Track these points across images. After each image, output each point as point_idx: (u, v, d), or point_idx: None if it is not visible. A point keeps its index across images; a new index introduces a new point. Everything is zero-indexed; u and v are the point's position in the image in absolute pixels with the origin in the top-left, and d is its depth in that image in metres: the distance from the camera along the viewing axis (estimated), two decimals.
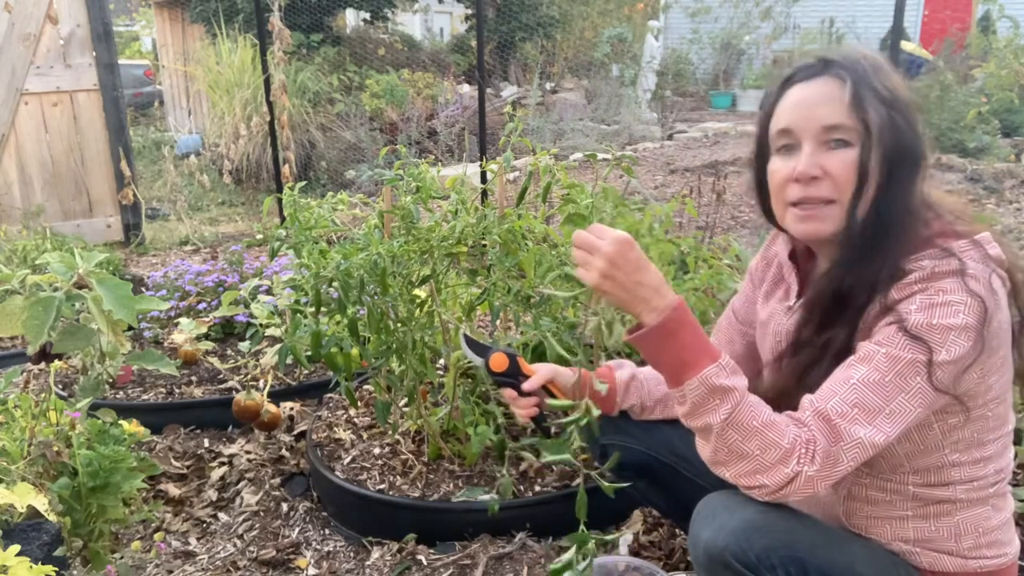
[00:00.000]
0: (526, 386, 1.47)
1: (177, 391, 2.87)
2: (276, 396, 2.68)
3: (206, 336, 3.22)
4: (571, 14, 12.64)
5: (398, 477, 2.14)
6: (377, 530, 2.05)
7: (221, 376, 2.93)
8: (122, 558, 1.82)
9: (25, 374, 2.89)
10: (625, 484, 1.47)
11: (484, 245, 2.04)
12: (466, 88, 9.75)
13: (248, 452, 2.52)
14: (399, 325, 2.06)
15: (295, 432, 2.62)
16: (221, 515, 2.24)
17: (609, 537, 1.70)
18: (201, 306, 3.45)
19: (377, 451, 2.27)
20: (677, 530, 1.91)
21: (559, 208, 2.11)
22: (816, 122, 1.18)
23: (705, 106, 12.58)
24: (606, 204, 2.05)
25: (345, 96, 8.69)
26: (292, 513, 2.22)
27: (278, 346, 2.09)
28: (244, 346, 2.98)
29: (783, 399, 1.19)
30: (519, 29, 11.43)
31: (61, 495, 1.64)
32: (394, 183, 2.08)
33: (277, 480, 2.37)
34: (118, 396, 2.83)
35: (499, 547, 1.92)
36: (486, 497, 1.99)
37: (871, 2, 12.13)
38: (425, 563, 1.91)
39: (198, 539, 2.13)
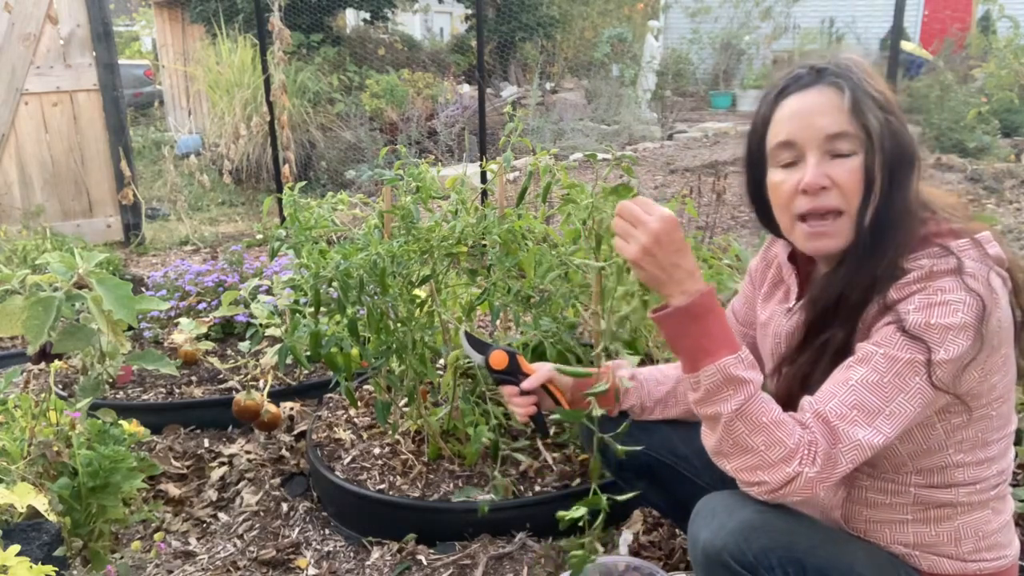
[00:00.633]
0: (525, 385, 1.47)
1: (177, 391, 2.87)
2: (276, 396, 2.68)
3: (206, 336, 3.22)
4: (571, 14, 12.63)
5: (398, 477, 2.14)
6: (377, 530, 2.05)
7: (221, 376, 2.93)
8: (122, 558, 1.82)
9: (25, 374, 2.89)
10: (633, 492, 1.48)
11: (484, 245, 2.04)
12: (466, 88, 9.75)
13: (248, 452, 2.52)
14: (399, 325, 2.06)
15: (295, 432, 2.62)
16: (221, 515, 2.24)
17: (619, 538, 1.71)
18: (201, 306, 3.45)
19: (377, 451, 2.27)
20: (677, 530, 1.91)
21: (559, 208, 2.11)
22: (818, 132, 1.17)
23: (705, 106, 12.58)
24: (606, 204, 2.04)
25: (345, 96, 8.69)
26: (292, 513, 2.22)
27: (278, 346, 2.09)
28: (244, 346, 2.99)
29: (785, 402, 1.20)
30: (519, 29, 11.43)
31: (61, 495, 1.64)
32: (394, 183, 2.08)
33: (277, 480, 2.37)
34: (118, 396, 2.83)
35: (499, 547, 1.92)
36: (485, 497, 1.99)
37: (871, 2, 12.13)
38: (425, 563, 1.91)
39: (198, 539, 2.13)
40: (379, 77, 8.98)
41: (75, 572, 1.65)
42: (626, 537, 1.91)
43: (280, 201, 2.56)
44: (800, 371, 1.25)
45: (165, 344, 3.26)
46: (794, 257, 1.37)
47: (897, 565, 1.22)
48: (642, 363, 2.12)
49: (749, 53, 13.06)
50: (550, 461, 2.13)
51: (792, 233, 1.24)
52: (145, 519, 2.00)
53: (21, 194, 5.37)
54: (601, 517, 1.38)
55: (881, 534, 1.24)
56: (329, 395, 2.64)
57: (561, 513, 1.40)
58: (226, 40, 8.45)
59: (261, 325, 2.83)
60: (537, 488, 2.05)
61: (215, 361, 2.94)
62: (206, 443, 2.60)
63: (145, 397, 2.84)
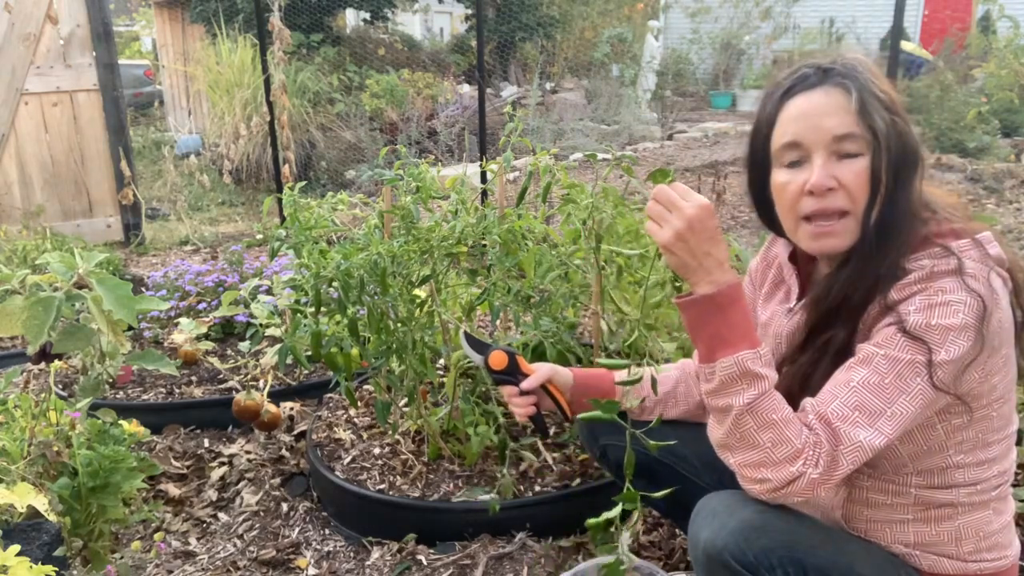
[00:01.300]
0: (525, 385, 1.47)
1: (177, 391, 2.87)
2: (276, 396, 2.68)
3: (206, 336, 3.22)
4: (571, 14, 12.63)
5: (398, 477, 2.14)
6: (377, 530, 2.05)
7: (221, 376, 2.93)
8: (122, 558, 1.82)
9: (25, 374, 2.89)
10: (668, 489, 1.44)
11: (484, 245, 2.04)
12: (466, 88, 9.75)
13: (248, 452, 2.52)
14: (399, 325, 2.06)
15: (295, 432, 2.62)
16: (221, 515, 2.24)
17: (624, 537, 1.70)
18: (201, 306, 3.45)
19: (377, 451, 2.27)
20: (677, 530, 1.91)
21: (559, 208, 2.11)
22: (826, 133, 1.16)
23: (705, 106, 12.58)
24: (606, 204, 2.04)
25: (345, 96, 8.70)
26: (292, 513, 2.22)
27: (278, 346, 2.09)
28: (244, 346, 2.98)
29: (788, 403, 1.20)
30: (519, 29, 11.43)
31: (61, 495, 1.64)
32: (394, 183, 2.08)
33: (277, 480, 2.37)
34: (118, 396, 2.83)
35: (499, 547, 1.92)
36: (486, 497, 1.99)
37: (871, 2, 12.13)
38: (425, 563, 1.91)
39: (198, 539, 2.13)
40: (379, 77, 8.98)
41: (75, 572, 1.65)
42: (626, 537, 1.90)
43: (280, 201, 2.56)
44: (800, 371, 1.24)
45: (165, 344, 3.26)
46: (795, 257, 1.37)
47: (897, 565, 1.21)
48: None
49: (749, 53, 13.06)
50: (550, 461, 2.13)
51: (796, 233, 1.24)
52: (145, 519, 2.00)
53: (21, 194, 5.37)
54: (636, 516, 1.33)
55: (882, 534, 1.24)
56: (329, 395, 2.64)
57: (591, 521, 1.34)
58: (226, 40, 8.46)
59: (261, 325, 2.83)
60: (537, 488, 2.05)
61: (215, 361, 2.94)
62: (206, 443, 2.60)
63: (145, 397, 2.84)
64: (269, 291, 3.24)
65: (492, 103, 9.24)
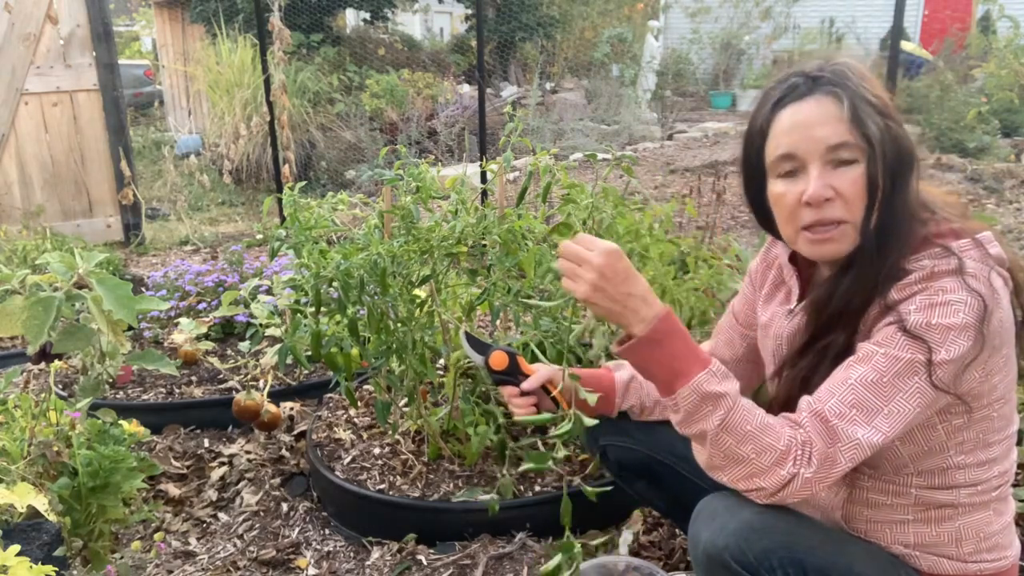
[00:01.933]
0: (525, 385, 1.47)
1: (177, 391, 2.87)
2: (276, 396, 2.68)
3: (206, 336, 3.22)
4: (571, 14, 12.63)
5: (398, 477, 2.14)
6: (377, 530, 2.05)
7: (221, 376, 2.93)
8: (122, 558, 1.82)
9: (25, 374, 2.89)
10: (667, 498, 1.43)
11: (484, 245, 2.04)
12: (466, 88, 9.75)
13: (248, 452, 2.52)
14: (399, 325, 2.06)
15: (295, 432, 2.62)
16: (221, 515, 2.24)
17: (595, 542, 1.70)
18: (201, 306, 3.45)
19: (377, 451, 2.27)
20: (677, 530, 1.91)
21: (559, 208, 2.11)
22: (819, 143, 1.16)
23: (705, 106, 12.58)
24: (606, 204, 2.04)
25: (345, 96, 8.70)
26: (292, 513, 2.22)
27: (278, 346, 2.09)
28: (244, 346, 2.98)
29: (785, 405, 1.20)
30: (519, 29, 11.43)
31: (61, 495, 1.64)
32: (394, 183, 2.08)
33: (277, 480, 2.37)
34: (118, 396, 2.83)
35: (499, 547, 1.92)
36: (486, 497, 1.99)
37: (871, 2, 12.13)
38: (425, 563, 1.91)
39: (198, 539, 2.13)
40: (379, 77, 8.98)
41: (75, 572, 1.65)
42: (626, 537, 1.91)
43: (280, 201, 2.56)
44: (800, 374, 1.24)
45: (165, 344, 3.26)
46: (795, 258, 1.37)
47: (898, 565, 1.21)
48: None
49: (749, 53, 13.06)
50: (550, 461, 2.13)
51: (796, 241, 1.23)
52: (145, 519, 2.00)
53: (21, 194, 5.37)
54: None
55: (882, 534, 1.24)
56: (329, 395, 2.64)
57: (544, 570, 1.39)
58: (226, 40, 8.45)
59: (261, 325, 2.83)
60: (537, 488, 2.05)
61: (215, 361, 2.94)
62: (206, 443, 2.60)
63: (145, 397, 2.84)
64: (269, 291, 3.24)
65: (492, 103, 9.24)
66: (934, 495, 1.20)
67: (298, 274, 2.09)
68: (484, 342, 1.53)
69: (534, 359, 1.55)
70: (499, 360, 1.47)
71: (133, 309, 1.83)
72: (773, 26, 12.90)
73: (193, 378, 2.95)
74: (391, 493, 2.07)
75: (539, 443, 2.18)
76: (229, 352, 3.16)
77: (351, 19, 11.33)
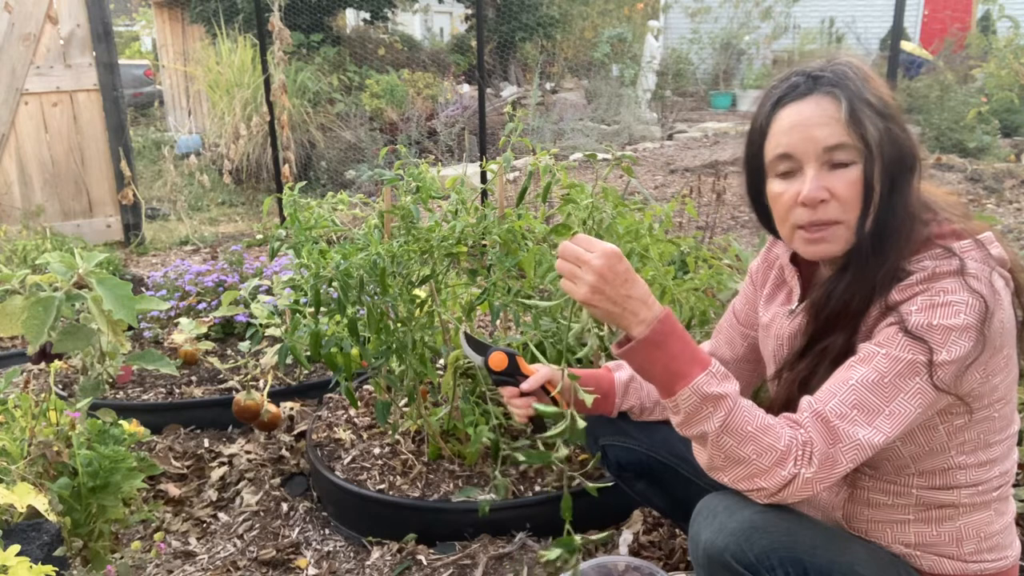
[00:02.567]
0: (524, 386, 1.47)
1: (177, 391, 2.87)
2: (276, 396, 2.68)
3: (206, 336, 3.22)
4: (571, 14, 12.63)
5: (398, 477, 2.14)
6: (377, 530, 2.05)
7: (221, 376, 2.93)
8: (122, 558, 1.82)
9: (25, 374, 2.89)
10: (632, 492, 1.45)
11: (484, 245, 2.04)
12: (466, 88, 9.75)
13: (248, 452, 2.52)
14: (399, 325, 2.06)
15: (295, 432, 2.62)
16: (221, 515, 2.24)
17: (595, 537, 1.70)
18: (201, 306, 3.45)
19: (377, 451, 2.27)
20: (677, 530, 1.91)
21: (559, 208, 2.11)
22: (816, 144, 1.16)
23: (705, 106, 12.58)
24: (606, 204, 2.04)
25: (345, 96, 8.69)
26: (292, 513, 2.22)
27: (278, 346, 2.09)
28: (244, 346, 2.98)
29: (785, 406, 1.19)
30: (519, 29, 11.43)
31: (61, 495, 1.64)
32: (394, 183, 2.08)
33: (277, 480, 2.37)
34: (118, 396, 2.83)
35: (499, 547, 1.92)
36: (484, 497, 1.99)
37: (871, 2, 12.14)
38: (425, 563, 1.91)
39: (198, 539, 2.13)
40: (379, 77, 8.98)
41: (75, 572, 1.65)
42: (626, 537, 1.91)
43: (280, 201, 2.56)
44: (800, 375, 1.24)
45: (165, 344, 3.26)
46: (796, 258, 1.37)
47: (898, 565, 1.21)
48: None
49: (749, 53, 13.06)
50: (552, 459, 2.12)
51: (792, 240, 1.24)
52: (145, 519, 2.00)
53: (21, 194, 5.37)
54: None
55: (882, 534, 1.24)
56: (329, 395, 2.64)
57: (542, 553, 1.39)
58: (226, 40, 8.45)
59: (261, 325, 2.83)
60: (537, 488, 2.05)
61: (215, 361, 2.94)
62: (206, 443, 2.60)
63: (145, 397, 2.84)
64: (269, 291, 3.24)
65: (492, 103, 9.25)
66: (935, 495, 1.20)
67: (298, 274, 2.09)
68: (483, 342, 1.53)
69: (534, 360, 1.55)
70: (498, 360, 1.47)
71: (133, 309, 1.83)
72: (773, 26, 12.90)
73: (193, 378, 2.95)
74: (391, 493, 2.07)
75: (539, 443, 2.18)
76: (229, 352, 3.16)
77: (351, 19, 11.33)
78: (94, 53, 5.35)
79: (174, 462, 2.47)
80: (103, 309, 1.83)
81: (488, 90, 9.87)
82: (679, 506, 1.53)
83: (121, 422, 1.92)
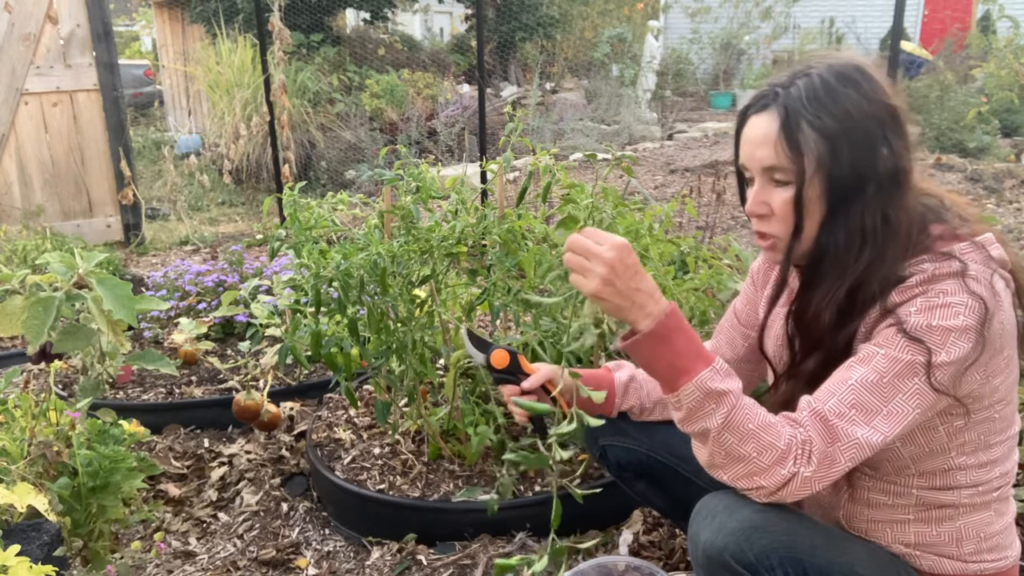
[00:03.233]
0: (526, 385, 1.47)
1: (177, 391, 2.87)
2: (276, 396, 2.68)
3: (206, 336, 3.22)
4: (571, 14, 12.63)
5: (398, 477, 2.14)
6: (377, 530, 2.05)
7: (221, 376, 2.93)
8: (122, 558, 1.82)
9: (25, 374, 2.89)
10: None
11: (484, 245, 2.04)
12: (466, 88, 9.75)
13: (248, 452, 2.52)
14: (399, 325, 2.06)
15: (295, 432, 2.62)
16: (221, 515, 2.24)
17: (593, 542, 1.70)
18: (201, 306, 3.45)
19: (377, 451, 2.27)
20: (677, 530, 1.91)
21: (559, 208, 2.11)
22: (758, 162, 1.20)
23: (705, 106, 12.57)
24: (606, 204, 2.04)
25: (345, 96, 8.69)
26: (292, 513, 2.22)
27: (278, 346, 2.09)
28: (244, 346, 2.98)
29: (788, 407, 1.19)
30: (519, 29, 11.43)
31: (61, 495, 1.64)
32: (394, 183, 2.08)
33: (277, 480, 2.37)
34: (118, 396, 2.83)
35: (499, 547, 1.92)
36: (486, 497, 1.99)
37: (871, 2, 12.14)
38: (425, 563, 1.91)
39: (198, 539, 2.13)
40: (379, 77, 8.98)
41: (75, 572, 1.65)
42: (626, 537, 1.91)
43: (280, 201, 2.56)
44: (799, 375, 1.25)
45: (165, 344, 3.26)
46: None
47: (898, 565, 1.22)
48: None
49: (749, 53, 13.05)
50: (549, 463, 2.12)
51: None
52: (145, 519, 2.00)
53: (21, 194, 5.37)
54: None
55: (882, 534, 1.24)
56: (329, 395, 2.64)
57: (500, 562, 1.36)
58: (226, 40, 8.45)
59: (261, 325, 2.83)
60: (537, 488, 2.05)
61: (215, 361, 2.94)
62: (206, 443, 2.60)
63: (145, 397, 2.84)
64: (269, 291, 3.24)
65: (492, 103, 9.25)
66: (935, 496, 1.20)
67: (298, 274, 2.09)
68: (485, 340, 1.53)
69: (535, 358, 1.55)
70: (500, 358, 1.47)
71: (133, 309, 1.83)
72: (773, 26, 12.90)
73: (193, 378, 2.95)
74: (391, 493, 2.07)
75: (539, 444, 2.18)
76: (229, 352, 3.16)
77: (351, 19, 11.32)
78: (94, 53, 5.35)
79: (174, 462, 2.47)
80: (103, 309, 1.83)
81: (488, 90, 9.87)
82: (679, 506, 1.53)
83: (121, 422, 1.92)
